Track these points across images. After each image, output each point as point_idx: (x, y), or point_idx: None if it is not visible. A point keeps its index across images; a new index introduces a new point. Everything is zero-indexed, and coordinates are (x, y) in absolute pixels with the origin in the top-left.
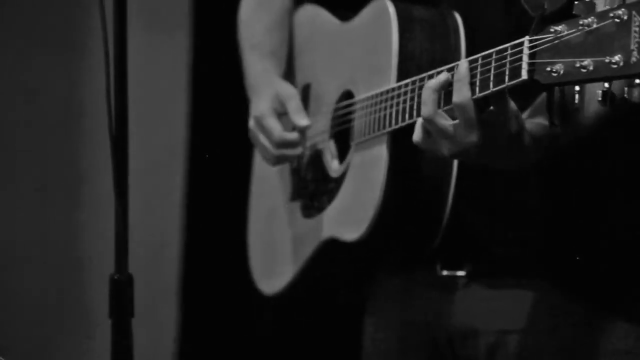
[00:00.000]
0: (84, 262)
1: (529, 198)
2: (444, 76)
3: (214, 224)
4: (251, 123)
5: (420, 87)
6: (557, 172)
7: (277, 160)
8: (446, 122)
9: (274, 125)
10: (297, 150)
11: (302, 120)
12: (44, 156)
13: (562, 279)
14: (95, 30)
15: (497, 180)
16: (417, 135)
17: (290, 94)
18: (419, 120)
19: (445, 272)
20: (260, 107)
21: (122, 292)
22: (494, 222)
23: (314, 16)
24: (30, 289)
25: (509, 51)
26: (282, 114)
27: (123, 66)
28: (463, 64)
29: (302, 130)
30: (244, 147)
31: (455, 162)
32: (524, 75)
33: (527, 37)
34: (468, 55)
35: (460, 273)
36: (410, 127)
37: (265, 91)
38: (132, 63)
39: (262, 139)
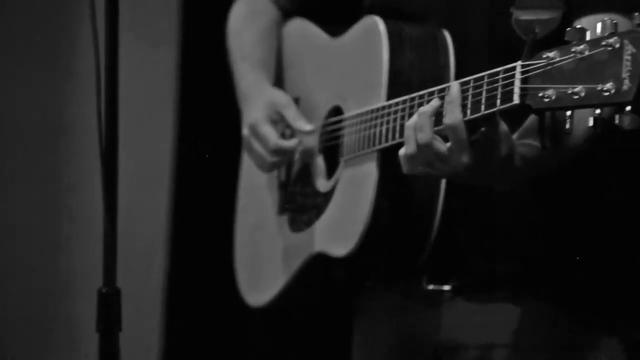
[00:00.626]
0: (72, 275)
1: (514, 213)
2: (436, 102)
3: (200, 237)
4: (245, 131)
5: (412, 107)
6: (542, 188)
7: (272, 167)
8: (443, 145)
9: (270, 132)
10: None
11: (305, 126)
12: (31, 168)
13: (548, 293)
14: (84, 43)
15: (482, 196)
16: (406, 167)
17: (286, 101)
18: (403, 152)
19: (431, 287)
20: (254, 114)
21: (109, 305)
22: (480, 237)
23: (302, 30)
24: (17, 301)
25: (501, 75)
26: (276, 122)
27: (114, 81)
28: (455, 86)
29: (307, 135)
30: (231, 159)
31: (444, 179)
32: (516, 99)
33: (519, 62)
34: (457, 72)
35: (447, 287)
36: (400, 144)
37: (259, 100)
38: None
39: (257, 146)
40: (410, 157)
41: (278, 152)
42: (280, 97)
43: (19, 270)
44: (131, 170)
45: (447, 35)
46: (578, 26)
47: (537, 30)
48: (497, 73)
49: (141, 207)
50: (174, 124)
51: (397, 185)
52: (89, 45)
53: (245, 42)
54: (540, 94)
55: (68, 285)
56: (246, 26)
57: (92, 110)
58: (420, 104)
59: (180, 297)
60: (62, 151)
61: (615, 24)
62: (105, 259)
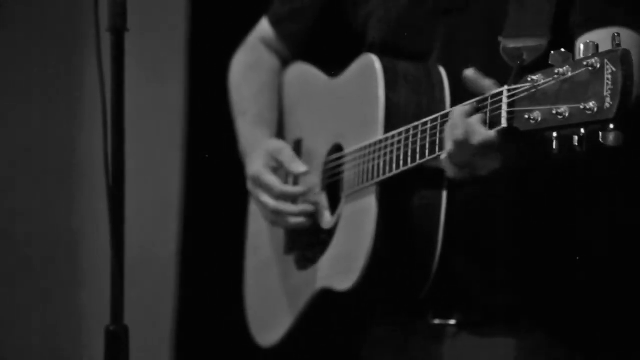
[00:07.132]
0: (80, 313)
1: (518, 247)
2: (469, 104)
3: (209, 274)
4: (249, 184)
5: (407, 139)
6: (540, 218)
7: (276, 217)
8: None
9: (273, 180)
10: (295, 208)
11: (299, 168)
12: (39, 206)
13: (552, 328)
14: (91, 82)
15: (485, 229)
16: (449, 170)
17: (281, 146)
18: (444, 155)
19: (437, 321)
20: (254, 167)
21: (117, 343)
22: (483, 271)
23: (302, 74)
24: (25, 340)
25: (489, 100)
26: (277, 169)
27: (120, 120)
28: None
29: (303, 176)
30: (239, 197)
31: (443, 211)
32: (504, 123)
33: (505, 87)
34: (453, 106)
35: (452, 322)
36: (398, 177)
37: (256, 152)
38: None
39: (263, 196)
40: (450, 157)
41: (283, 197)
42: (275, 144)
43: (26, 309)
44: (139, 208)
45: (442, 71)
46: (562, 50)
47: (525, 57)
48: (486, 99)
49: (149, 245)
50: (182, 162)
51: (397, 218)
52: (95, 84)
53: (244, 97)
54: (527, 116)
55: (76, 323)
56: (246, 79)
57: (99, 149)
58: (415, 135)
59: (188, 335)
60: (69, 189)
61: (597, 45)
62: (113, 297)
